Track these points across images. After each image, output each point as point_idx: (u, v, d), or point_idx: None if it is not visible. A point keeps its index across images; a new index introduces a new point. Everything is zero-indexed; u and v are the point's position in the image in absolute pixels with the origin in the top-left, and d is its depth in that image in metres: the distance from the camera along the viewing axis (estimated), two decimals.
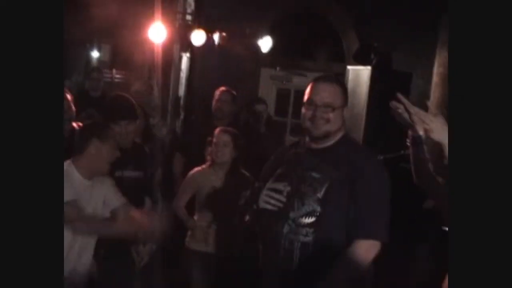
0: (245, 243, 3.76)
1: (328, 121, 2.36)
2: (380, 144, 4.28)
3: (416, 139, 2.34)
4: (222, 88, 4.64)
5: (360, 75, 5.82)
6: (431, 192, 2.49)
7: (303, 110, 2.41)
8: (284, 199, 2.39)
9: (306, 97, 2.42)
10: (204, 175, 3.73)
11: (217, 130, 3.75)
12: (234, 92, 4.61)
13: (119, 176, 3.19)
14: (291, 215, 2.36)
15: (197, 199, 3.75)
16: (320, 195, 2.33)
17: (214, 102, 4.58)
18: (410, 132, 2.37)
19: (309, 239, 2.32)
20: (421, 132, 2.30)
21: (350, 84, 6.05)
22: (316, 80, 2.44)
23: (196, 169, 3.78)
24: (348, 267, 2.29)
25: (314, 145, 2.43)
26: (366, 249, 2.29)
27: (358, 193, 2.29)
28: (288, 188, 2.40)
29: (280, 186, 2.43)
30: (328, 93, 2.38)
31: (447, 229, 2.64)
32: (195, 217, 3.77)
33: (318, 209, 2.32)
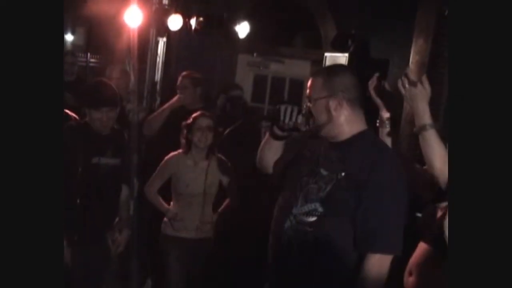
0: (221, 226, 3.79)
1: (311, 113, 2.29)
2: None
3: (383, 120, 2.48)
4: (183, 73, 4.65)
5: (337, 62, 5.83)
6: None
7: None
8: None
9: None
10: (180, 160, 3.71)
11: (196, 115, 3.74)
12: (197, 75, 4.61)
13: (95, 163, 3.16)
14: (294, 210, 2.25)
15: (173, 184, 3.73)
16: (323, 194, 2.21)
17: (178, 90, 4.59)
18: (382, 113, 2.51)
19: (307, 238, 2.21)
20: (386, 115, 2.49)
21: None
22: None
23: (172, 154, 3.76)
24: (366, 285, 2.15)
25: (329, 138, 2.32)
26: (379, 264, 2.14)
27: (365, 199, 2.14)
28: (297, 181, 2.30)
29: (294, 176, 2.34)
30: (309, 85, 2.34)
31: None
32: (172, 204, 3.76)
33: (320, 209, 2.20)
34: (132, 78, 5.19)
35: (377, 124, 2.55)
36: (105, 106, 3.15)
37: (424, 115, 2.25)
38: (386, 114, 2.53)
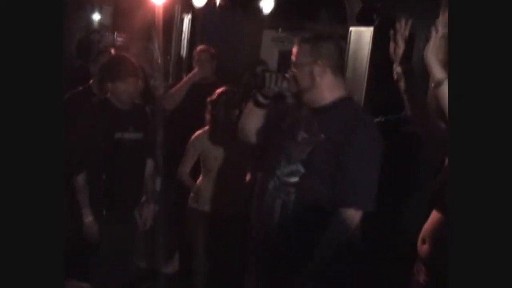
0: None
1: (294, 79, 2.41)
2: (381, 106, 4.28)
3: (402, 74, 2.44)
4: (200, 47, 4.70)
5: (362, 36, 5.76)
6: (422, 125, 2.58)
7: None
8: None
9: None
10: (206, 137, 3.75)
11: (220, 90, 3.76)
12: (213, 50, 4.64)
13: (118, 138, 3.20)
14: (277, 172, 2.40)
15: (202, 161, 3.77)
16: (304, 155, 2.35)
17: (194, 62, 4.64)
18: (395, 66, 2.50)
19: (290, 198, 2.36)
20: (399, 69, 2.48)
21: (352, 46, 6.00)
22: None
23: (198, 132, 3.79)
24: (331, 238, 2.32)
25: (310, 104, 2.45)
26: (347, 218, 2.31)
27: (343, 158, 2.30)
28: (279, 145, 2.44)
29: (276, 141, 2.46)
30: (294, 51, 2.45)
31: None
32: (200, 179, 3.81)
33: (302, 169, 2.35)
34: (157, 54, 5.23)
35: (395, 77, 2.54)
36: (131, 76, 3.18)
37: (437, 70, 2.24)
38: (399, 67, 2.50)
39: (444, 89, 2.23)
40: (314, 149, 2.35)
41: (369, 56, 5.56)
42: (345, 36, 6.20)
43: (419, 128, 2.64)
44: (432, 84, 2.29)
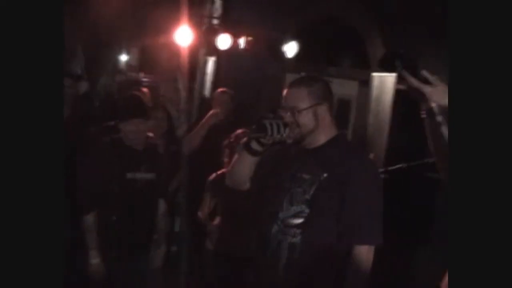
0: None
1: (297, 124, 2.38)
2: (404, 152, 4.26)
3: (428, 111, 2.38)
4: (220, 90, 4.76)
5: (385, 81, 5.79)
6: (444, 168, 2.50)
7: None
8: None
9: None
10: (224, 180, 3.74)
11: (237, 133, 3.76)
12: (232, 92, 4.70)
13: (131, 178, 3.18)
14: (280, 215, 2.38)
15: (219, 204, 3.75)
16: (308, 196, 2.35)
17: (213, 104, 4.68)
18: (422, 105, 2.36)
19: (296, 240, 2.34)
20: (433, 104, 2.31)
21: (375, 91, 6.02)
22: (287, 86, 2.49)
23: (215, 174, 3.78)
24: (358, 276, 2.32)
25: (305, 145, 2.44)
26: (366, 254, 2.32)
27: (349, 196, 2.30)
28: (279, 187, 2.41)
29: (275, 184, 2.44)
30: (290, 96, 2.43)
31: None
32: (217, 220, 3.79)
33: (306, 210, 2.34)
34: (182, 95, 5.31)
35: (422, 115, 2.49)
36: (134, 117, 3.15)
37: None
38: (427, 105, 2.45)
39: None
40: (318, 188, 2.35)
41: (392, 102, 5.57)
42: (367, 81, 6.23)
43: (441, 172, 2.59)
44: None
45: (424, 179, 4.28)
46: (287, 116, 2.39)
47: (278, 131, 2.34)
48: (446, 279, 2.30)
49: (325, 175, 2.35)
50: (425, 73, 2.22)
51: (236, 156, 2.60)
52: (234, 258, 3.65)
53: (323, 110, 2.42)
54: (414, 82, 2.19)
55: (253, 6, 6.75)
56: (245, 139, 2.49)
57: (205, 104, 6.54)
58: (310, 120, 2.40)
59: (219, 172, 3.78)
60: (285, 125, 2.36)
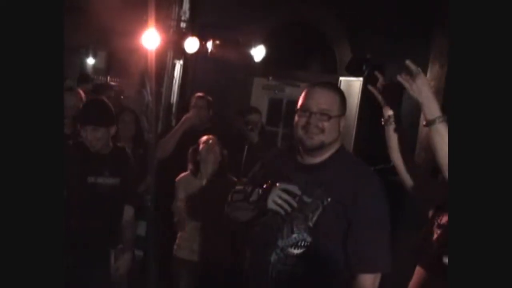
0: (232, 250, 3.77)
1: (323, 130, 2.14)
2: (370, 155, 4.29)
3: (388, 118, 2.40)
4: (198, 94, 4.74)
5: (352, 86, 5.86)
6: (403, 173, 2.52)
7: (296, 118, 2.20)
8: (295, 204, 2.14)
9: (300, 103, 2.21)
10: (189, 181, 3.73)
11: (203, 139, 3.75)
12: (210, 99, 4.69)
13: (92, 182, 3.07)
14: (280, 243, 2.16)
15: (186, 206, 3.73)
16: (311, 223, 2.12)
17: (191, 109, 4.65)
18: (385, 111, 2.42)
19: (298, 269, 2.14)
20: (389, 112, 2.39)
21: None
22: (312, 86, 2.23)
23: (182, 175, 3.77)
24: None
25: (306, 160, 2.21)
26: (372, 283, 2.13)
27: (355, 222, 2.10)
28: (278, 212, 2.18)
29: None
30: (324, 99, 2.17)
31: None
32: (184, 227, 3.76)
33: (308, 238, 2.13)
34: (149, 98, 5.26)
35: (382, 123, 2.48)
36: (94, 124, 3.05)
37: (434, 108, 2.12)
38: (389, 112, 2.43)
39: (435, 128, 2.12)
40: (321, 214, 2.11)
41: (358, 106, 5.63)
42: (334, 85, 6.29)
43: (400, 175, 2.60)
44: (424, 123, 2.19)
45: (390, 182, 4.33)
46: (316, 119, 2.14)
47: (251, 195, 2.21)
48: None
49: (329, 199, 2.11)
50: (408, 62, 2.17)
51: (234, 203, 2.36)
52: (203, 265, 3.63)
53: (343, 123, 2.23)
54: (398, 77, 2.15)
55: (221, 9, 6.75)
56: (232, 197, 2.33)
57: (173, 108, 6.53)
58: (336, 130, 2.18)
59: (185, 173, 3.78)
60: (260, 191, 2.19)
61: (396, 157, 2.51)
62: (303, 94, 2.23)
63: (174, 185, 3.78)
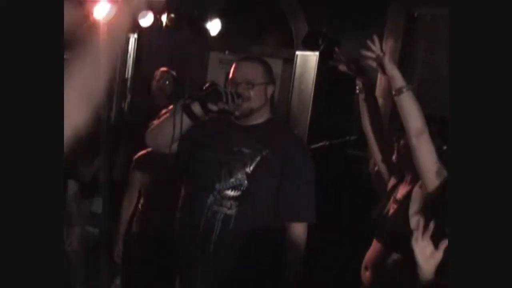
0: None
1: (249, 98, 2.43)
2: (327, 129, 4.33)
3: (363, 86, 2.57)
4: (162, 69, 4.71)
5: (308, 60, 5.86)
6: (372, 143, 2.64)
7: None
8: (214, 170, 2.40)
9: (229, 76, 2.51)
10: (148, 160, 3.67)
11: (162, 113, 3.70)
12: (174, 73, 4.66)
13: None
14: (217, 186, 2.39)
15: (142, 185, 3.68)
16: (249, 169, 2.38)
17: (154, 83, 4.62)
18: (357, 80, 2.62)
19: (232, 211, 2.36)
20: (362, 81, 2.60)
21: (298, 70, 6.08)
22: (238, 60, 2.55)
23: (140, 153, 3.72)
24: (298, 251, 2.41)
25: (242, 123, 2.49)
26: (303, 232, 2.43)
27: (287, 175, 2.38)
28: (216, 160, 2.43)
29: (209, 155, 2.44)
30: (248, 70, 2.48)
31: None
32: (141, 203, 3.72)
33: (245, 183, 2.37)
34: (104, 73, 5.14)
35: (357, 91, 2.66)
36: None
37: (399, 78, 2.31)
38: (360, 81, 2.62)
39: (404, 96, 2.28)
40: (259, 162, 2.38)
41: (314, 80, 5.64)
42: (291, 59, 6.28)
43: (370, 144, 2.68)
44: (393, 92, 2.33)
45: (345, 156, 4.39)
46: (241, 88, 2.42)
47: (233, 99, 2.35)
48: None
49: (267, 151, 2.40)
50: (374, 38, 2.38)
51: (167, 115, 2.51)
52: (159, 239, 3.61)
53: (271, 90, 2.52)
54: (363, 52, 2.35)
55: None
56: (185, 100, 2.43)
57: (127, 82, 6.40)
58: (262, 96, 2.47)
59: (143, 152, 3.71)
60: (239, 95, 2.39)
61: (367, 126, 2.63)
62: (231, 69, 2.52)
63: (132, 164, 3.71)
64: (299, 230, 2.42)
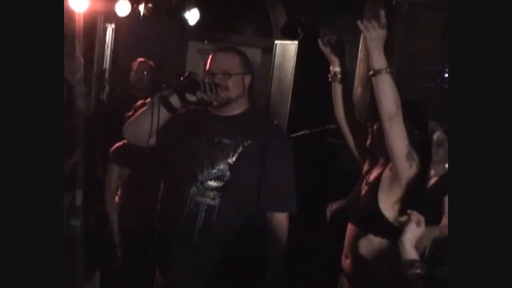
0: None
1: (226, 87, 2.41)
2: (306, 118, 4.33)
3: (335, 74, 2.56)
4: (140, 59, 4.67)
5: (287, 49, 5.85)
6: (345, 129, 2.66)
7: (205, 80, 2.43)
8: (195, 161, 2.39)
9: (206, 67, 2.49)
10: (126, 152, 3.63)
11: (137, 105, 3.65)
12: (152, 63, 4.63)
13: None
14: (200, 177, 2.38)
15: (120, 177, 3.64)
16: (231, 160, 2.38)
17: (132, 73, 4.58)
18: (331, 68, 2.60)
19: (215, 202, 2.36)
20: (337, 69, 2.59)
21: (277, 59, 6.07)
22: (214, 51, 2.53)
23: (117, 144, 3.67)
24: (280, 241, 2.41)
25: (221, 113, 2.48)
26: (285, 221, 2.43)
27: (269, 165, 2.37)
28: (197, 151, 2.41)
29: (190, 147, 2.42)
30: (225, 60, 2.46)
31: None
32: (119, 194, 3.68)
33: (228, 174, 2.37)
34: (80, 64, 5.09)
35: (330, 79, 2.64)
36: None
37: (382, 59, 2.28)
38: (337, 68, 2.61)
39: (382, 78, 2.27)
40: (242, 153, 2.37)
41: (293, 69, 5.64)
42: (270, 49, 6.27)
43: (343, 132, 2.70)
44: (370, 72, 2.31)
45: (325, 144, 4.40)
46: (218, 78, 2.41)
47: (211, 89, 2.35)
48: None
49: (248, 141, 2.39)
50: (382, 13, 2.29)
51: (144, 108, 2.48)
52: (140, 232, 3.58)
53: (248, 80, 2.50)
54: (358, 22, 2.28)
55: None
56: (163, 92, 2.40)
57: (106, 73, 6.33)
58: (239, 86, 2.45)
59: (120, 143, 3.67)
60: (216, 85, 2.38)
61: (340, 114, 2.64)
62: (208, 59, 2.50)
63: (109, 157, 3.66)
64: (280, 220, 2.42)
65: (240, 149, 2.38)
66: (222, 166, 2.38)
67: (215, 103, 2.40)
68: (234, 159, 2.38)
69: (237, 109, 2.48)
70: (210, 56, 2.50)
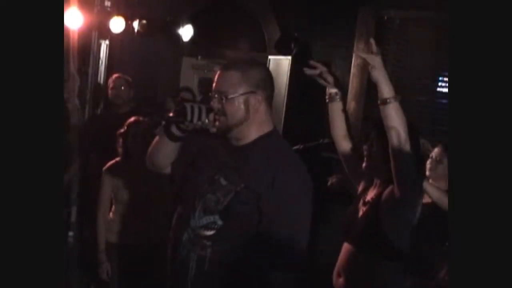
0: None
1: (224, 112, 2.05)
2: (300, 133, 4.34)
3: (332, 95, 2.56)
4: (116, 75, 4.68)
5: (280, 64, 5.88)
6: (340, 149, 2.67)
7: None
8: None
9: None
10: (119, 169, 3.64)
11: (130, 121, 3.67)
12: (129, 78, 4.64)
13: None
14: (192, 223, 2.10)
15: (114, 193, 3.64)
16: (221, 207, 2.05)
17: (109, 90, 4.60)
18: (327, 90, 2.61)
19: (206, 253, 2.06)
20: (334, 90, 2.60)
21: None
22: (219, 68, 2.17)
23: (110, 163, 3.68)
24: None
25: (231, 140, 2.14)
26: (285, 281, 2.05)
27: (270, 213, 1.99)
28: (196, 189, 2.14)
29: (195, 181, 2.16)
30: (222, 80, 2.09)
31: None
32: (112, 212, 3.69)
33: (219, 222, 2.05)
34: (76, 79, 5.11)
35: (327, 101, 2.65)
36: None
37: (389, 88, 2.29)
38: (333, 89, 2.61)
39: (390, 107, 2.28)
40: (232, 200, 2.03)
41: (287, 84, 5.67)
42: (264, 64, 6.29)
43: (339, 148, 2.71)
44: (378, 102, 2.33)
45: (319, 159, 4.41)
46: (215, 102, 2.06)
47: (199, 117, 2.02)
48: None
49: (242, 185, 2.03)
50: (372, 41, 2.34)
51: (156, 138, 2.27)
52: (140, 248, 3.58)
53: (257, 100, 2.08)
54: (358, 52, 2.33)
55: None
56: (164, 122, 2.18)
57: (100, 89, 6.35)
58: (240, 110, 2.05)
59: (113, 161, 3.68)
60: (209, 110, 2.04)
61: (337, 133, 2.64)
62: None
63: (101, 176, 3.66)
64: (279, 279, 2.02)
65: (231, 195, 2.04)
66: (213, 213, 2.06)
67: (212, 130, 2.07)
68: (223, 205, 2.05)
69: (244, 138, 2.10)
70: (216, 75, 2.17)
